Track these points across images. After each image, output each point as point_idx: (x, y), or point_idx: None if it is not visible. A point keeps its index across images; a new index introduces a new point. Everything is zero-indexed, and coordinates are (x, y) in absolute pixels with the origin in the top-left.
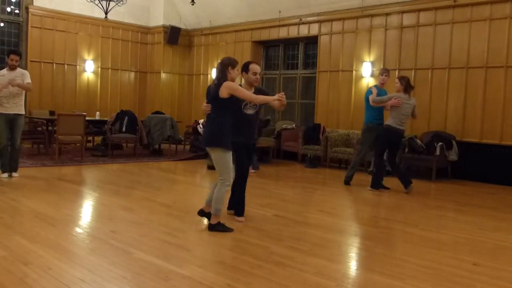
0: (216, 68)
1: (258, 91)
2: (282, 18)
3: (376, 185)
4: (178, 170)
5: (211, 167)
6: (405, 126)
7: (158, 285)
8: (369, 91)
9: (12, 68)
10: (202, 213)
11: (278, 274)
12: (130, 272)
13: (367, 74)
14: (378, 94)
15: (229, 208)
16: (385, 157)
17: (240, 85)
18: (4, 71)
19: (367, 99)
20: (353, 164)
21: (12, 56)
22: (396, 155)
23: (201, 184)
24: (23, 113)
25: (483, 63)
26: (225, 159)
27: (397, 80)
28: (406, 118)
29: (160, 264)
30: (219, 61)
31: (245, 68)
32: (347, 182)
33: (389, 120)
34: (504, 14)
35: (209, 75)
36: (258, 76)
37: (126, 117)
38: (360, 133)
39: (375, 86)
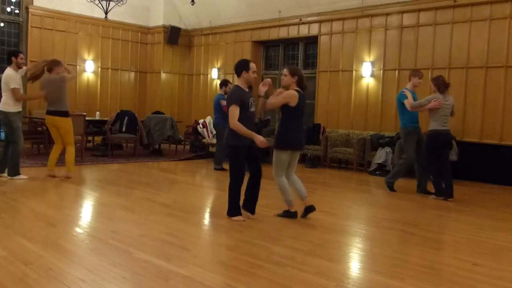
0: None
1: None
2: (282, 18)
3: (440, 191)
4: (178, 170)
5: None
6: (448, 126)
7: (158, 285)
8: (402, 96)
9: (21, 67)
10: (308, 209)
11: (278, 274)
12: (130, 272)
13: (367, 74)
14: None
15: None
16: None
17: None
18: (15, 72)
19: (401, 103)
20: (398, 171)
21: (22, 55)
22: (447, 157)
23: (201, 184)
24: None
25: (483, 63)
26: None
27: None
28: (447, 118)
29: (160, 264)
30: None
31: (246, 67)
32: (391, 187)
33: (431, 124)
34: (504, 14)
35: (209, 75)
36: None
37: (126, 117)
38: (359, 133)
39: (406, 88)
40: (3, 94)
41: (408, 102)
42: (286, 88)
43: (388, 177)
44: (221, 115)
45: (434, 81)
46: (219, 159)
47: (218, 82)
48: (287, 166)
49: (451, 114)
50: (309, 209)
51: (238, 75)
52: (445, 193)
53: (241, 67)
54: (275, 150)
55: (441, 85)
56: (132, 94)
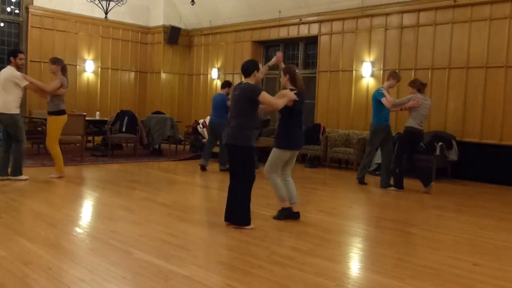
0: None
1: None
2: (282, 18)
3: (399, 184)
4: (178, 170)
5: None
6: (424, 126)
7: (158, 285)
8: (380, 94)
9: (20, 68)
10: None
11: (278, 274)
12: (130, 272)
13: (367, 74)
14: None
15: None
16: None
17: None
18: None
19: (378, 101)
20: (363, 166)
21: (22, 55)
22: (414, 155)
23: (201, 184)
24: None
25: (483, 63)
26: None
27: (408, 87)
28: (424, 117)
29: (160, 264)
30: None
31: (257, 67)
32: (362, 182)
33: (409, 121)
34: (504, 14)
35: (209, 75)
36: None
37: (126, 117)
38: (359, 133)
39: (383, 87)
40: (2, 94)
41: (389, 100)
42: (284, 88)
43: (358, 175)
44: (221, 114)
45: (412, 84)
46: (225, 159)
47: (219, 82)
48: (282, 165)
49: None
50: (293, 214)
51: (249, 75)
52: (423, 180)
53: (253, 68)
54: (275, 149)
55: (420, 86)
56: (132, 94)
